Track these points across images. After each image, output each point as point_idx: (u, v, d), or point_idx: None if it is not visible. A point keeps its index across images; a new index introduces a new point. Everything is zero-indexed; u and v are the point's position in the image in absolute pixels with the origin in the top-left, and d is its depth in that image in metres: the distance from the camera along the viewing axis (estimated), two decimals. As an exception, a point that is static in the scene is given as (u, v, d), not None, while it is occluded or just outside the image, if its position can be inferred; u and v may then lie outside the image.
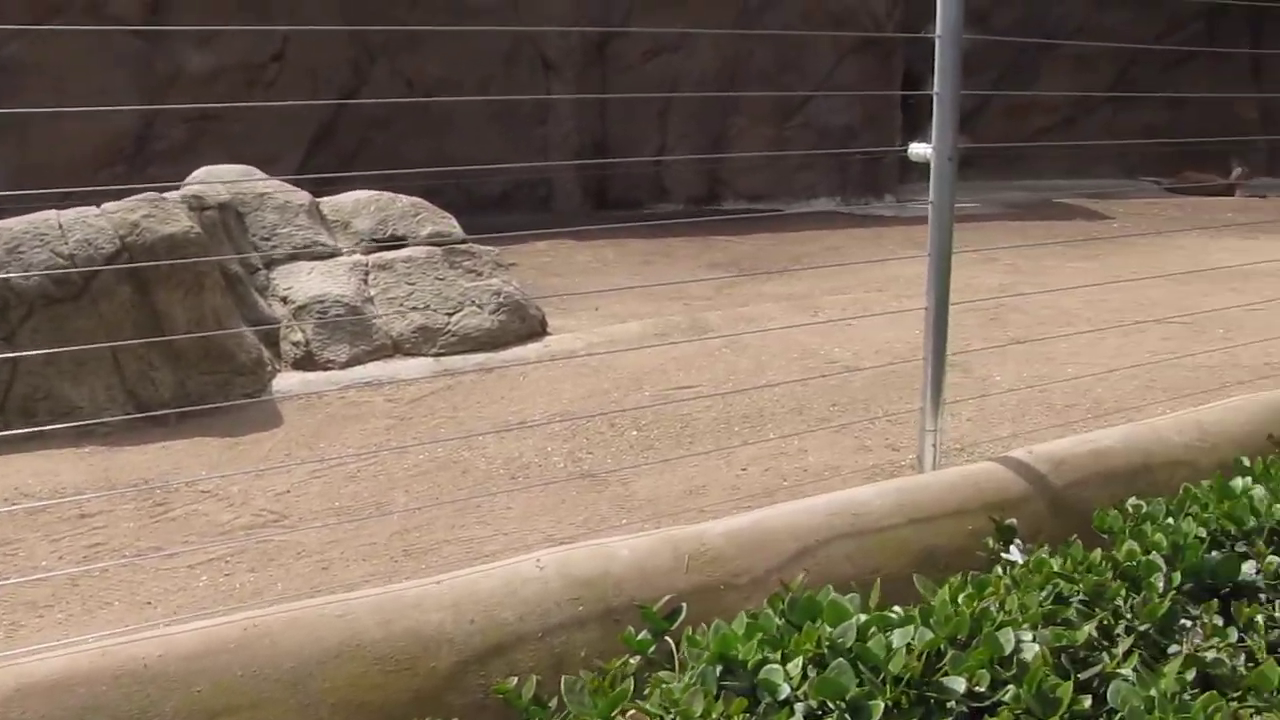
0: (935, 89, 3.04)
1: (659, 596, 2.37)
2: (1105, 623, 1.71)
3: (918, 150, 3.11)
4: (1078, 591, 1.81)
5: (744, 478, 4.47)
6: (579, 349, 6.26)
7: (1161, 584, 1.79)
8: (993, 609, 1.70)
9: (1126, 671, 1.53)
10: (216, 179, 6.67)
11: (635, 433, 4.99)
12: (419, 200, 7.10)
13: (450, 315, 6.42)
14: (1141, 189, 15.67)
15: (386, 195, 7.06)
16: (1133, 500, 2.31)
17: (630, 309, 7.39)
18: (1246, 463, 2.46)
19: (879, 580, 2.12)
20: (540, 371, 5.91)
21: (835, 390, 5.49)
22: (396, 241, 6.84)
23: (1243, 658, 1.73)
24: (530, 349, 6.34)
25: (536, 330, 6.64)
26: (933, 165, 3.07)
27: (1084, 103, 16.27)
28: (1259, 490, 2.18)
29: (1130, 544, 1.99)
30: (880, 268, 8.16)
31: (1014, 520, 2.54)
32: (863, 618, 1.68)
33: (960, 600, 1.78)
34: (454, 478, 4.58)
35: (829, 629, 1.63)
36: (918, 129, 14.13)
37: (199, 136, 10.61)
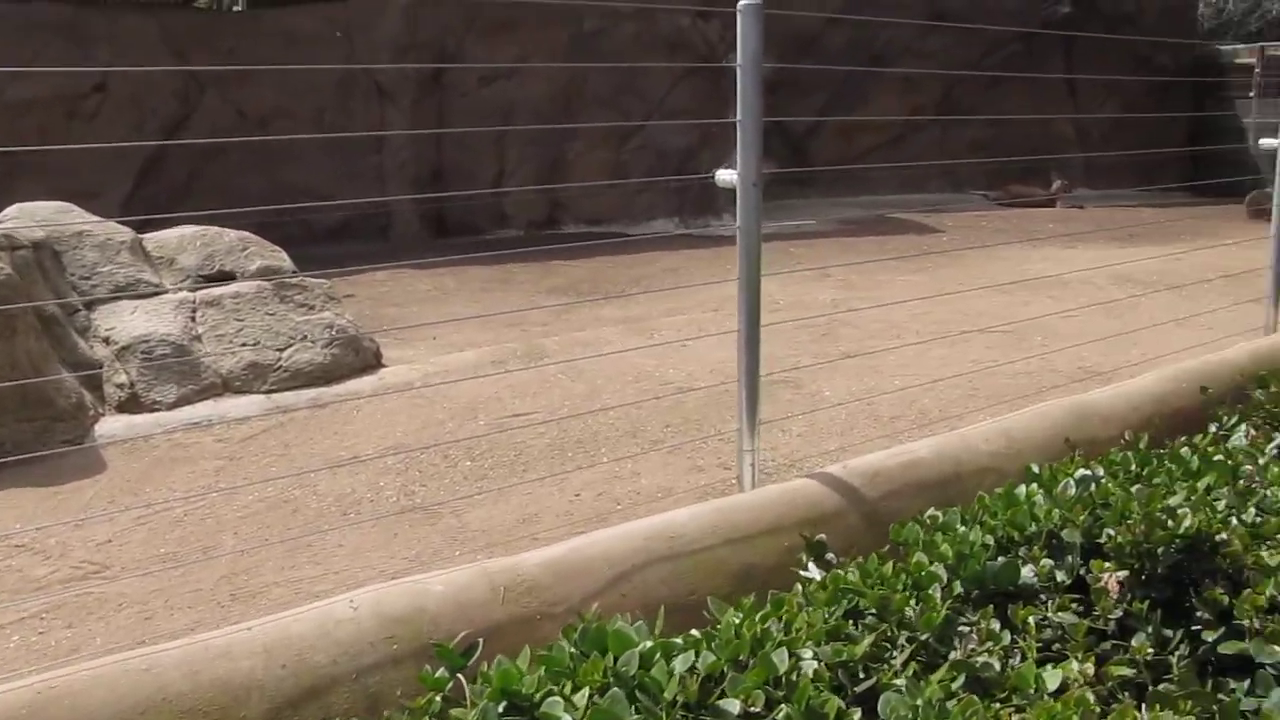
0: (738, 116, 3.10)
1: (475, 631, 2.37)
2: (889, 634, 1.77)
3: (724, 177, 3.18)
4: (867, 605, 1.87)
5: (577, 504, 4.48)
6: (414, 380, 6.21)
7: (939, 593, 1.86)
8: (774, 629, 1.74)
9: (899, 682, 1.59)
10: (30, 216, 6.42)
11: (469, 463, 4.97)
12: (247, 234, 6.96)
13: (282, 351, 6.30)
14: (970, 202, 16.25)
15: (213, 230, 6.91)
16: (931, 511, 2.39)
17: (468, 337, 7.36)
18: (1035, 469, 2.57)
19: (663, 608, 2.15)
20: (374, 405, 5.84)
21: (669, 411, 5.56)
22: (225, 277, 6.69)
23: (1019, 658, 1.81)
24: (365, 382, 6.26)
25: (371, 363, 6.57)
26: (738, 191, 3.14)
27: (914, 120, 16.84)
28: (1040, 497, 2.28)
29: (919, 555, 2.07)
30: (718, 288, 8.28)
31: (823, 536, 2.60)
32: (649, 644, 1.71)
33: (754, 620, 1.82)
34: (284, 517, 4.49)
35: (614, 658, 1.66)
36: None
37: (13, 171, 10.18)
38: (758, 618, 1.79)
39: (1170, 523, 2.02)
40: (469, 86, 12.93)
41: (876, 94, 16.49)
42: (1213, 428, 3.48)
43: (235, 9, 14.10)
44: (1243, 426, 3.29)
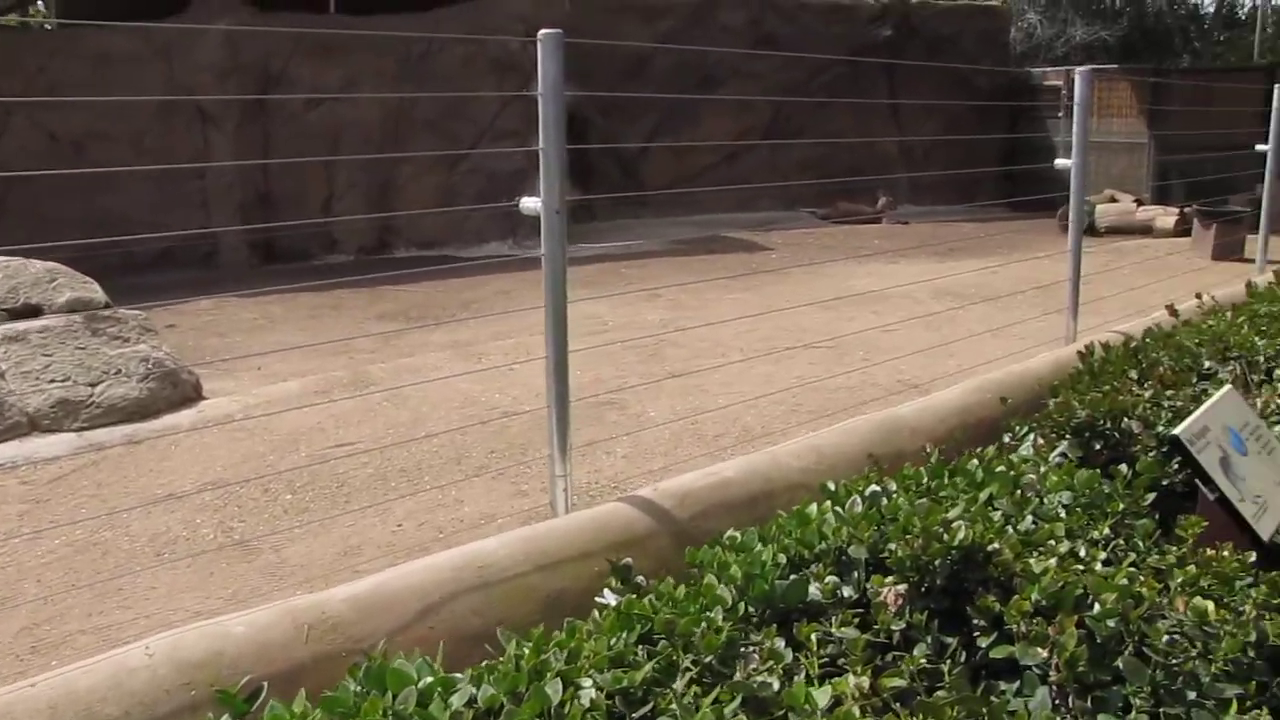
0: (540, 144, 3.13)
1: (278, 672, 2.32)
2: (674, 659, 1.81)
3: (528, 204, 3.20)
4: (654, 629, 1.90)
5: (399, 534, 4.44)
6: (235, 412, 6.06)
7: (722, 615, 1.90)
8: (554, 658, 1.76)
9: (676, 707, 1.63)
10: None
11: (290, 496, 4.87)
12: (55, 265, 6.69)
13: (94, 386, 6.08)
14: (800, 220, 16.63)
15: (17, 261, 6.62)
16: (730, 531, 2.45)
17: (294, 367, 7.22)
18: (832, 487, 2.65)
19: (443, 643, 2.15)
20: (193, 439, 5.68)
21: (494, 437, 5.54)
22: (31, 311, 6.42)
23: (803, 676, 1.86)
24: (183, 416, 6.08)
25: (191, 396, 6.38)
26: (543, 219, 3.16)
27: (745, 140, 17.17)
28: (830, 515, 2.35)
29: (710, 576, 2.12)
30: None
31: (629, 560, 2.62)
32: (429, 680, 1.71)
33: (537, 650, 1.83)
34: (93, 561, 4.33)
35: (393, 696, 1.66)
36: (592, 169, 14.46)
37: None
38: (544, 647, 1.81)
39: (946, 536, 2.11)
40: (296, 109, 12.69)
41: (708, 115, 16.75)
42: (1006, 438, 3.63)
43: (45, 27, 13.57)
44: (1031, 436, 3.43)
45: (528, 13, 13.49)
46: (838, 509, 2.44)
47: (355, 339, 8.05)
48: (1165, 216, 16.08)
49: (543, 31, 3.19)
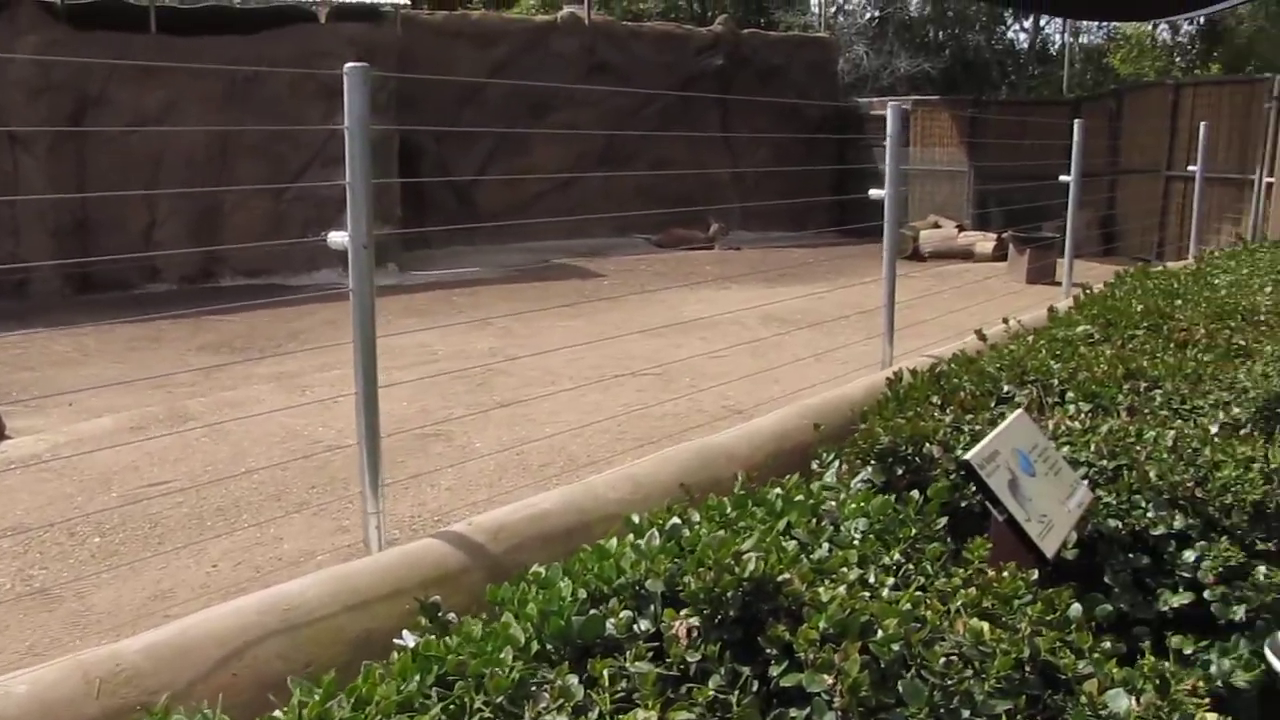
0: (347, 179, 3.10)
1: (67, 729, 2.25)
2: (466, 701, 1.81)
3: (335, 239, 3.16)
4: (447, 670, 1.90)
5: (215, 575, 4.32)
6: (42, 452, 5.81)
7: (511, 654, 1.91)
8: (336, 707, 1.75)
9: (459, 751, 1.63)
10: None
11: (98, 539, 4.69)
12: None
13: (-115, 426, 5.76)
14: (634, 247, 16.79)
15: None
16: (535, 567, 2.46)
17: (108, 403, 6.96)
18: (636, 519, 2.68)
19: (220, 696, 2.12)
20: (-6, 481, 5.43)
21: (317, 472, 5.44)
22: None
23: (595, 713, 1.88)
24: (-15, 456, 5.81)
25: (-7, 434, 6.11)
26: (350, 254, 3.12)
27: (579, 166, 17.25)
28: (629, 549, 2.38)
29: (507, 614, 2.12)
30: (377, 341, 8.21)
31: (438, 598, 2.60)
32: (209, 737, 1.68)
33: (324, 699, 1.81)
34: (-122, 615, 4.10)
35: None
36: (426, 196, 14.30)
37: None
38: (352, 690, 1.79)
39: (738, 568, 2.16)
40: (114, 132, 12.25)
41: (542, 141, 16.80)
42: (814, 464, 3.73)
43: None
44: (836, 463, 3.53)
45: (359, 36, 13.36)
46: (639, 542, 2.48)
47: (175, 373, 7.80)
48: (984, 242, 16.78)
49: (348, 65, 3.18)
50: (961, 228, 17.74)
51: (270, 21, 13.18)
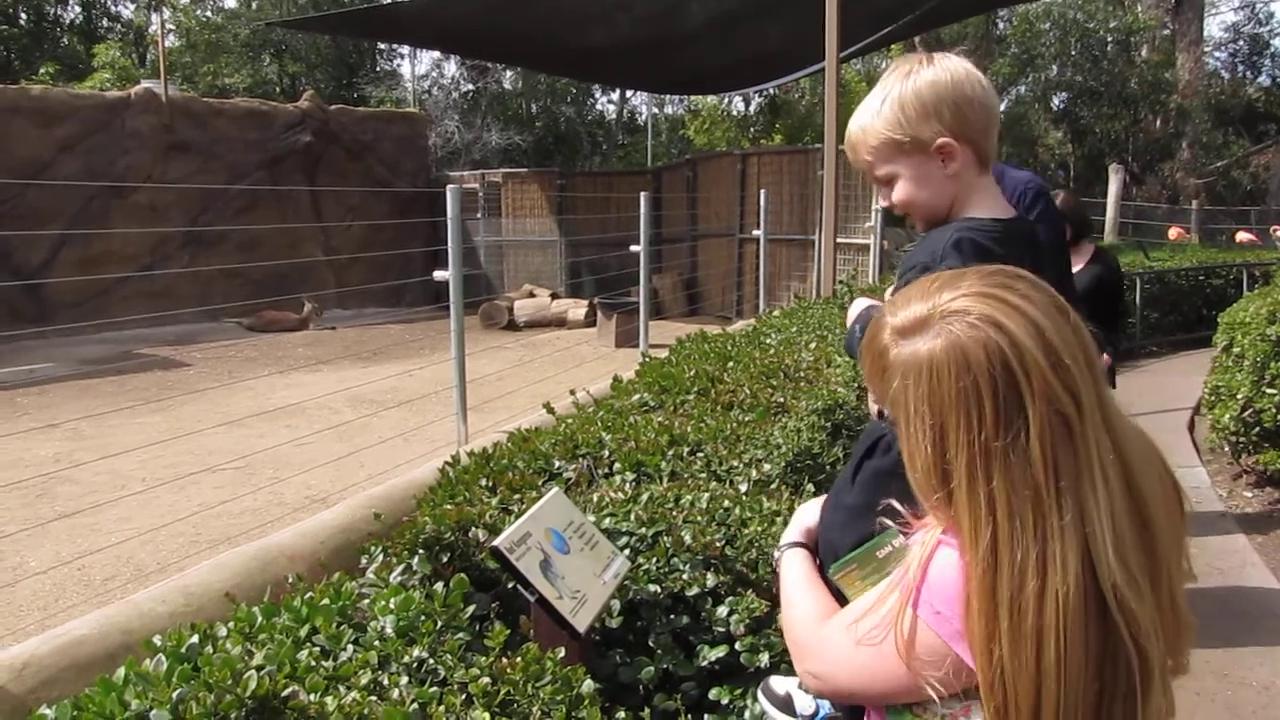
0: None
1: None
2: None
3: None
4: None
5: None
6: None
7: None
8: None
9: None
10: None
11: None
12: None
13: None
14: (225, 331, 16.23)
15: None
16: (42, 709, 2.39)
17: None
18: (158, 641, 2.66)
19: None
20: None
21: None
22: None
23: None
24: None
25: None
26: None
27: (161, 248, 16.51)
28: (135, 677, 2.36)
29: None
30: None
31: (-60, 752, 2.49)
32: None
33: None
34: None
35: None
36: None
37: None
38: None
39: (238, 687, 2.20)
40: None
41: (121, 222, 15.97)
42: (363, 560, 3.79)
43: None
44: (381, 555, 3.59)
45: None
46: (150, 668, 2.46)
47: None
48: (576, 309, 17.49)
49: None
50: (555, 296, 18.40)
51: None
